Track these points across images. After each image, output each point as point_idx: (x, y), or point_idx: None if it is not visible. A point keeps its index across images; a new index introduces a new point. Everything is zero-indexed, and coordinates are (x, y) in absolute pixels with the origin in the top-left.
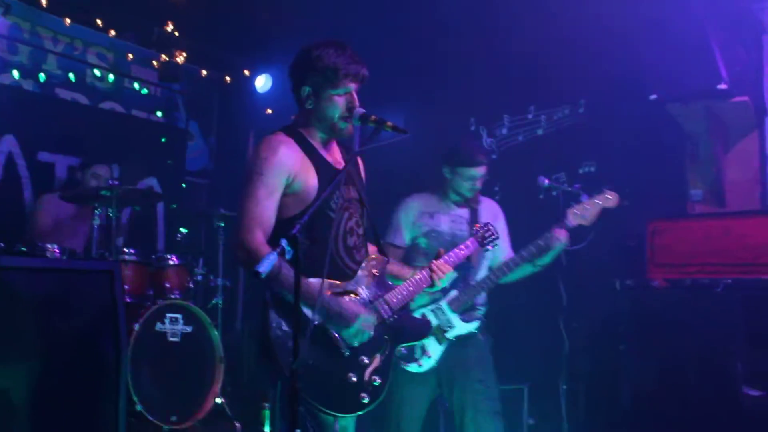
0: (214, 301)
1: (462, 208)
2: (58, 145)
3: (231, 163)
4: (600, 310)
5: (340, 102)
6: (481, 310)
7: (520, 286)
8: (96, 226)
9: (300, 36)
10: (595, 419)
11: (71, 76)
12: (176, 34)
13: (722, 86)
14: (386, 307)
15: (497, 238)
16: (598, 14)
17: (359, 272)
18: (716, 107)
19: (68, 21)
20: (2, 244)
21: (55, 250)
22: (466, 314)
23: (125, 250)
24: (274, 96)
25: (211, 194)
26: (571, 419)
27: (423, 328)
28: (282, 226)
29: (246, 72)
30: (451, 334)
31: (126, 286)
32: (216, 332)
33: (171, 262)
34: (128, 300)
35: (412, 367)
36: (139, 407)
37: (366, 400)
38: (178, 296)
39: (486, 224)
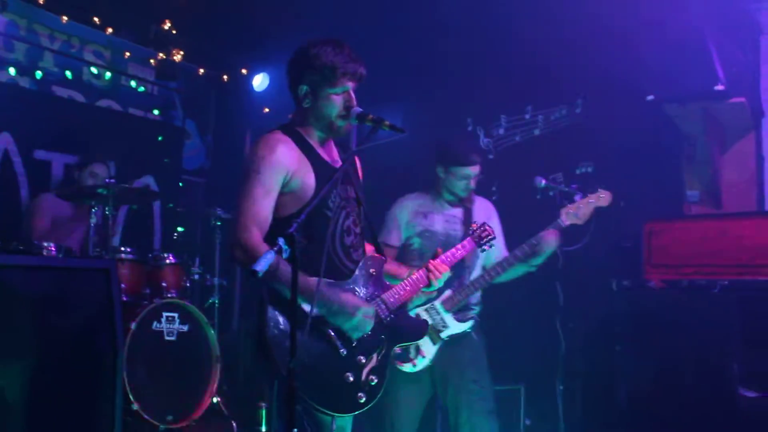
0: (210, 300)
1: (456, 208)
2: (54, 142)
3: (228, 161)
4: (597, 310)
5: (337, 101)
6: (475, 310)
7: (517, 286)
8: (93, 225)
9: (298, 35)
10: (592, 419)
11: (68, 73)
12: (174, 32)
13: (719, 87)
14: (383, 306)
15: (494, 237)
16: (595, 15)
17: (356, 271)
18: (713, 108)
19: (65, 18)
20: None
21: (51, 248)
22: (460, 314)
23: (122, 248)
24: (272, 95)
25: (208, 193)
26: (567, 419)
27: (420, 328)
28: (279, 225)
29: (243, 70)
30: (445, 334)
31: (122, 285)
32: (212, 331)
33: (167, 261)
34: (125, 299)
35: (407, 367)
36: (135, 406)
37: (363, 400)
38: (174, 295)
39: (483, 224)
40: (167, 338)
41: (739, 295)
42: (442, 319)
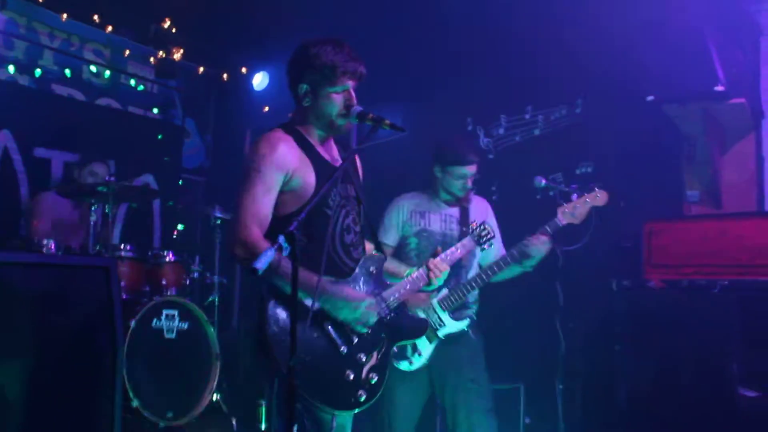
0: (210, 298)
1: (453, 207)
2: (54, 140)
3: (228, 160)
4: (596, 310)
5: (337, 100)
6: (472, 309)
7: (517, 285)
8: (93, 223)
9: (298, 34)
10: (592, 419)
11: (67, 71)
12: (173, 30)
13: (719, 88)
14: (383, 304)
15: (493, 237)
16: (596, 15)
17: (356, 270)
18: (713, 109)
19: (65, 16)
20: None
21: (51, 245)
22: (456, 312)
23: (121, 246)
24: (271, 94)
25: (207, 192)
26: (567, 419)
27: (420, 326)
28: (279, 223)
29: (243, 69)
30: (441, 332)
31: (122, 283)
32: (212, 329)
33: (167, 259)
34: (124, 296)
35: (403, 365)
36: (135, 403)
37: (363, 398)
38: (174, 293)
39: (482, 223)
40: (167, 336)
41: (738, 295)
42: (438, 317)
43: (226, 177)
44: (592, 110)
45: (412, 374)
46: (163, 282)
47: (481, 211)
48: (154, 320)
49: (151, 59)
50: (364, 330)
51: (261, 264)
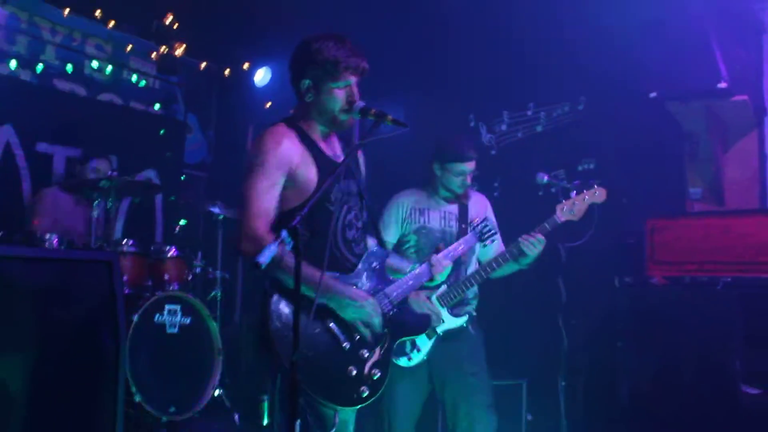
0: (212, 293)
1: (452, 204)
2: (56, 136)
3: (229, 156)
4: (599, 307)
5: (340, 95)
6: (471, 305)
7: (519, 282)
8: (95, 217)
9: (300, 29)
10: (594, 416)
11: (69, 67)
12: (175, 26)
13: (722, 85)
14: (386, 300)
15: (496, 233)
16: (598, 12)
17: (359, 265)
18: (716, 106)
19: (67, 11)
20: (0, 234)
21: (54, 240)
22: (455, 309)
23: (124, 241)
24: (273, 89)
25: (209, 187)
26: (569, 415)
27: (423, 322)
28: (282, 219)
29: (245, 65)
30: (440, 329)
31: (124, 277)
32: (214, 324)
33: (170, 254)
34: (127, 291)
35: (402, 361)
36: (137, 398)
37: (366, 394)
38: (176, 288)
39: (485, 219)
40: (169, 331)
41: (741, 292)
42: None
43: (228, 172)
44: (594, 107)
45: (412, 370)
46: (166, 277)
47: (480, 207)
48: (157, 315)
49: (153, 55)
50: (367, 333)
51: (263, 259)
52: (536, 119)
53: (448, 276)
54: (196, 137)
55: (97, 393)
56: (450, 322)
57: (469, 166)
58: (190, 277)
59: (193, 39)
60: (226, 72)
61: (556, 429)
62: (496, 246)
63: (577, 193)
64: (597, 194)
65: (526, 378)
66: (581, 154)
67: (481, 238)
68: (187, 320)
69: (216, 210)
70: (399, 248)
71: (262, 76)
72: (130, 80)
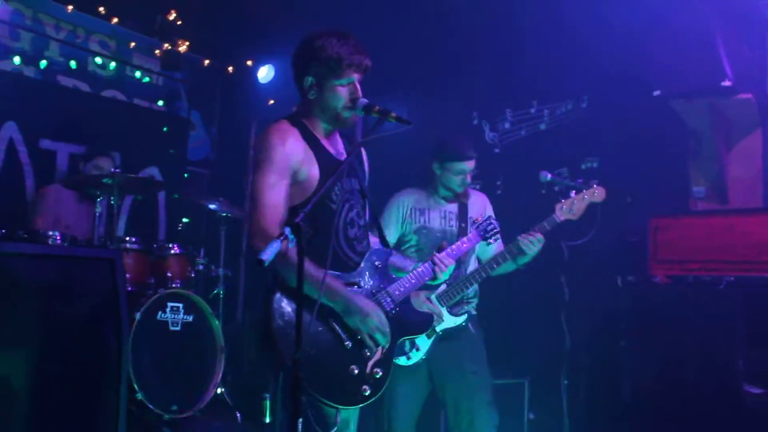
0: (215, 291)
1: (451, 204)
2: (59, 132)
3: (233, 153)
4: (602, 305)
5: (343, 92)
6: (471, 303)
7: (522, 281)
8: (98, 215)
9: (303, 26)
10: (596, 414)
11: (73, 63)
12: (179, 22)
13: (726, 83)
14: (388, 299)
15: (499, 231)
16: (602, 10)
17: (361, 264)
18: (720, 104)
19: (70, 8)
20: (3, 231)
21: (57, 237)
22: (454, 308)
23: (126, 238)
24: (277, 86)
25: (212, 184)
26: (571, 414)
27: (425, 321)
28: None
29: (248, 62)
30: (439, 327)
31: (127, 275)
32: (217, 322)
33: (172, 251)
34: (129, 289)
35: (401, 360)
36: (139, 396)
37: (367, 393)
38: (179, 285)
39: (489, 217)
40: (172, 328)
41: (744, 291)
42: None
43: (232, 169)
44: (597, 105)
45: (412, 369)
46: (168, 274)
47: (479, 206)
48: (159, 312)
49: (157, 51)
50: (369, 343)
51: (267, 255)
52: (540, 117)
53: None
54: (200, 134)
55: (99, 390)
56: (449, 321)
57: (469, 164)
58: (192, 275)
59: (197, 36)
60: (230, 69)
61: (559, 428)
62: (495, 244)
63: (576, 193)
64: (596, 194)
65: (528, 376)
66: (585, 152)
67: (485, 236)
68: (190, 318)
69: (214, 207)
70: (399, 248)
71: (265, 73)
72: (133, 77)
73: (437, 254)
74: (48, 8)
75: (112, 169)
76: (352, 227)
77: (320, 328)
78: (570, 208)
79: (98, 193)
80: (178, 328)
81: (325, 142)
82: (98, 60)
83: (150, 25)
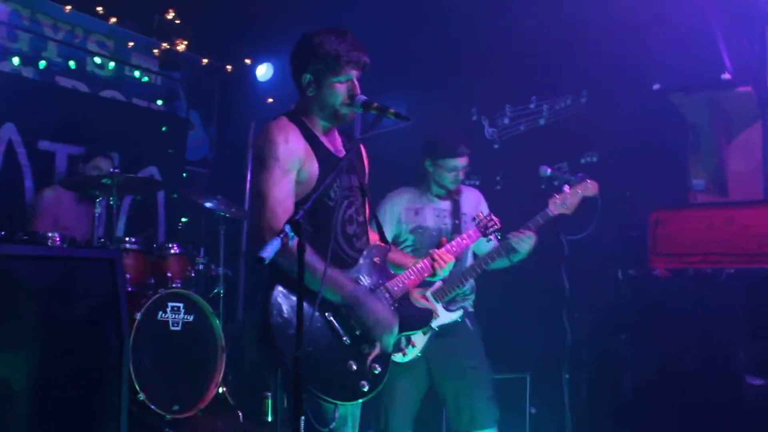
0: (215, 290)
1: (444, 201)
2: (58, 133)
3: (232, 152)
4: (602, 299)
5: (341, 89)
6: (468, 299)
7: (523, 276)
8: (97, 215)
9: (302, 24)
10: (598, 408)
11: (71, 63)
12: (177, 22)
13: (726, 76)
14: (387, 295)
15: (500, 228)
16: (601, 4)
17: (360, 260)
18: (719, 97)
19: (68, 8)
20: (3, 232)
21: (56, 238)
22: (450, 304)
23: (126, 238)
24: (276, 85)
25: (211, 184)
26: (573, 408)
27: (424, 317)
28: None
29: (247, 61)
30: (435, 324)
31: (127, 275)
32: (217, 321)
33: (172, 251)
34: (129, 289)
35: (397, 357)
36: (141, 396)
37: (366, 388)
38: (179, 285)
39: (489, 214)
40: (172, 328)
41: (745, 283)
42: None
43: (231, 169)
44: (597, 100)
45: (410, 366)
46: (168, 274)
47: (472, 202)
48: (160, 312)
49: (155, 51)
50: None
51: (267, 253)
52: (539, 112)
53: None
54: (198, 134)
55: (100, 391)
56: (444, 316)
57: (461, 161)
58: (192, 274)
59: (195, 35)
60: (228, 68)
61: (560, 422)
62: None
63: (569, 187)
64: (589, 187)
65: (529, 371)
66: (584, 146)
67: (485, 233)
68: (190, 317)
69: (213, 206)
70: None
71: (264, 72)
72: (132, 76)
73: (436, 250)
74: (46, 8)
75: (111, 170)
76: (350, 224)
77: (318, 324)
78: (563, 202)
79: (97, 193)
80: (178, 328)
81: (323, 139)
82: (97, 60)
83: (148, 25)
